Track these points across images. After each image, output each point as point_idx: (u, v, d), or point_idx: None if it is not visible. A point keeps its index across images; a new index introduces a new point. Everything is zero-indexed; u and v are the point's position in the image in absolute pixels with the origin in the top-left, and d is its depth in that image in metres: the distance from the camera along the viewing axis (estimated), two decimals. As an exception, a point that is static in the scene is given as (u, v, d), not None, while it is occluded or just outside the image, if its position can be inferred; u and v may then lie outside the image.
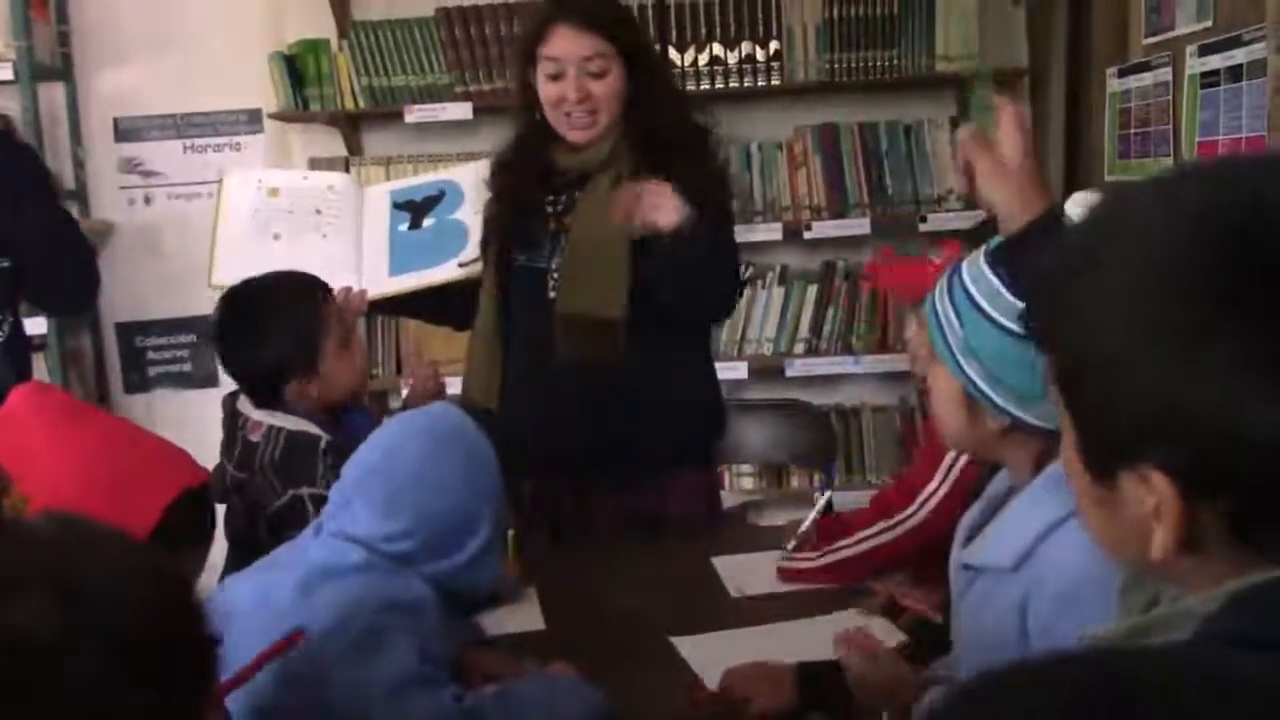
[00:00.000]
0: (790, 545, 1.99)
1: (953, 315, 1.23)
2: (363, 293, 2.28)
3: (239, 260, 2.28)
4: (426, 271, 2.37)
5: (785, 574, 1.97)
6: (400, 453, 1.51)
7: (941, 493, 1.84)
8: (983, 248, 1.25)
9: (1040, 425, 1.21)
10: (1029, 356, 1.17)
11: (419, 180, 2.58)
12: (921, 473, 1.91)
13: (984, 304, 1.21)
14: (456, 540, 1.47)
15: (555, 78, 2.17)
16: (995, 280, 1.20)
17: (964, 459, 1.82)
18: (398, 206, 2.47)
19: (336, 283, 2.14)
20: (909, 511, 1.86)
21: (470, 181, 2.45)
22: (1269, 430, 0.66)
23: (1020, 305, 1.18)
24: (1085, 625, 1.13)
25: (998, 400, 1.22)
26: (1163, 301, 0.69)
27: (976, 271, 1.22)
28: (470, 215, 2.41)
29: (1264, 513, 0.69)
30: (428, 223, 2.44)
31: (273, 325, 1.95)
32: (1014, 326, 1.18)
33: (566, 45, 2.16)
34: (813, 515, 2.03)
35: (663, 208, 2.03)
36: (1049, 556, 1.21)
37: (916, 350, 1.89)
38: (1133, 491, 0.72)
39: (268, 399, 1.95)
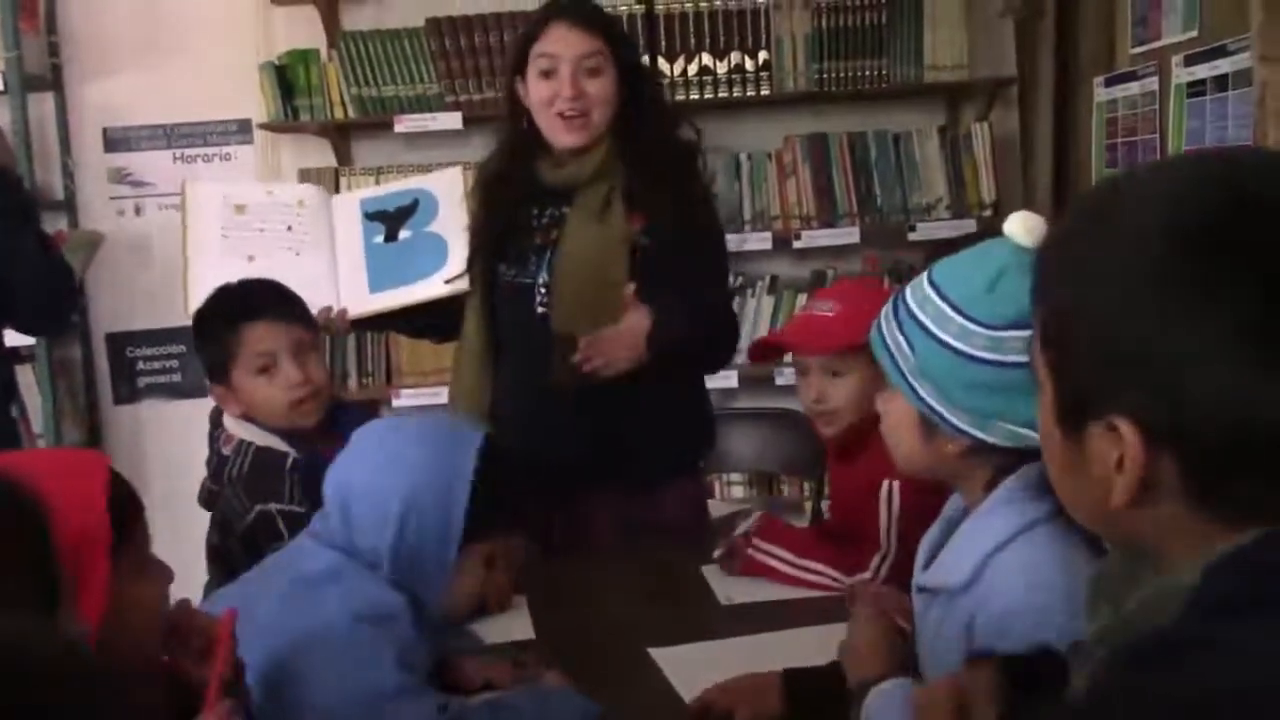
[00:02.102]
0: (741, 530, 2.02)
1: (903, 341, 1.24)
2: (343, 312, 2.26)
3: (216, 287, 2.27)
4: (409, 288, 2.33)
5: (754, 566, 1.98)
6: (370, 459, 1.50)
7: (890, 561, 1.88)
8: (924, 273, 1.26)
9: (996, 443, 1.21)
10: (980, 376, 1.19)
11: (390, 189, 2.53)
12: (858, 519, 1.95)
13: (932, 327, 1.21)
14: (425, 556, 1.45)
15: (548, 74, 2.15)
16: (941, 304, 1.21)
17: (897, 511, 1.87)
18: (369, 217, 2.41)
19: (315, 303, 2.11)
20: (866, 576, 1.89)
21: (444, 190, 2.42)
22: (1253, 400, 0.71)
23: (969, 326, 1.19)
24: (1026, 643, 1.15)
25: (955, 421, 1.22)
26: (1170, 257, 0.74)
27: (921, 296, 1.23)
28: (448, 227, 2.37)
29: (1216, 467, 0.75)
30: (404, 235, 2.39)
31: (204, 326, 1.99)
32: (963, 347, 1.19)
33: (563, 42, 2.14)
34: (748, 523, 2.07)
35: (617, 360, 2.07)
36: (994, 576, 1.22)
37: (825, 397, 1.96)
38: (1099, 446, 0.78)
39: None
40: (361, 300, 2.33)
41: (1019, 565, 1.21)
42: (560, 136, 2.18)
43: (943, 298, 1.21)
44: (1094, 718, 0.72)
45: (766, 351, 2.13)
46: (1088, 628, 0.85)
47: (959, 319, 1.20)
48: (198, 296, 2.26)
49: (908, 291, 1.25)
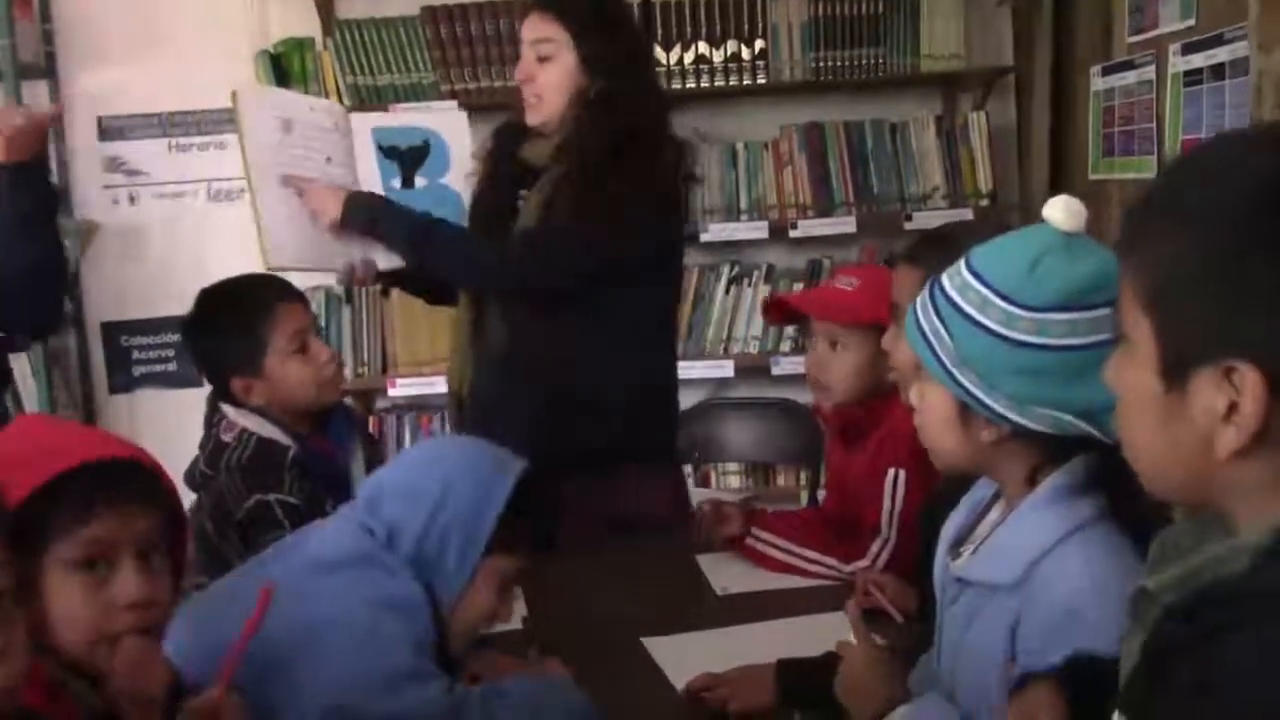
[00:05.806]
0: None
1: (941, 329, 1.22)
2: (371, 263, 2.28)
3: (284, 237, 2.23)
4: None
5: (751, 553, 2.03)
6: (410, 457, 1.57)
7: (890, 549, 1.91)
8: (961, 260, 1.24)
9: (1038, 428, 1.19)
10: (1024, 360, 1.17)
11: (399, 122, 2.50)
12: (857, 506, 1.99)
13: (974, 313, 1.19)
14: (450, 548, 1.47)
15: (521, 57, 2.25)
16: (982, 289, 1.19)
17: (902, 499, 1.89)
18: (383, 151, 2.39)
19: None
20: (864, 564, 1.92)
21: (450, 133, 2.44)
22: None
23: (1012, 310, 1.17)
24: (1088, 643, 1.12)
25: (995, 407, 1.20)
26: None
27: (961, 282, 1.21)
28: (459, 180, 2.41)
29: None
30: (420, 183, 2.39)
31: (224, 321, 1.95)
32: (1006, 332, 1.18)
33: (526, 26, 2.24)
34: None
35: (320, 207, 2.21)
36: (1046, 578, 1.19)
37: (823, 368, 2.03)
38: (1205, 395, 0.77)
39: (226, 395, 1.95)
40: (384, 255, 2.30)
41: (1076, 567, 1.18)
42: (525, 115, 2.25)
43: (983, 283, 1.19)
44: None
45: (776, 311, 2.21)
46: (1151, 580, 0.85)
47: (1001, 304, 1.18)
48: (276, 254, 2.20)
49: (945, 279, 1.23)
